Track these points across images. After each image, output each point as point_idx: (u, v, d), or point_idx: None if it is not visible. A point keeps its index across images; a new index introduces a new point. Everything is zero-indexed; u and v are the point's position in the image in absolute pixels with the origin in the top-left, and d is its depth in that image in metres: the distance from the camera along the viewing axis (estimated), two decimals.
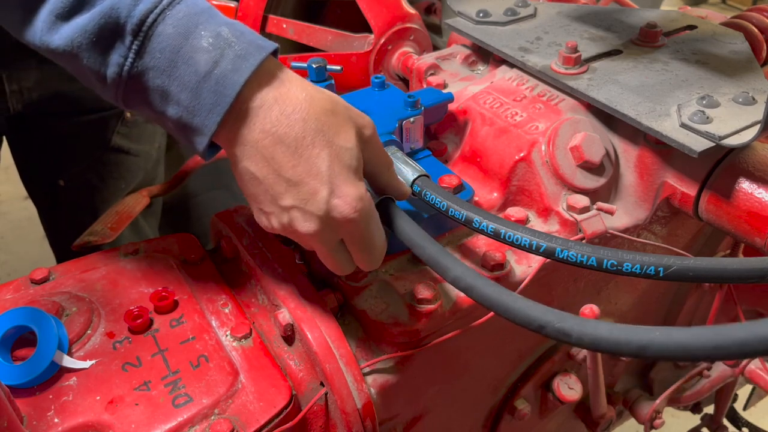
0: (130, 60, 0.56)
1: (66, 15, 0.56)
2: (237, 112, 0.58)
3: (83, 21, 0.56)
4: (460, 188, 0.75)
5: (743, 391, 1.25)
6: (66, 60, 0.59)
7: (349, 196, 0.59)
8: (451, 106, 0.86)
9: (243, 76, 0.56)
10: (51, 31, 0.57)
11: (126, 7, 0.55)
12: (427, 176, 0.70)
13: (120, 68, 0.57)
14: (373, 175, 0.65)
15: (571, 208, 0.77)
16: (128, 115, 1.24)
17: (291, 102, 0.58)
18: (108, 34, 0.56)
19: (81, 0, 0.56)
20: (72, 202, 1.28)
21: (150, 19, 0.55)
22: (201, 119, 0.57)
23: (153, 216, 1.41)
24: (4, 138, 1.25)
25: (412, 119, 0.79)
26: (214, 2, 1.05)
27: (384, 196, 0.66)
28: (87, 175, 1.26)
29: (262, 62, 0.57)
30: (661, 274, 0.55)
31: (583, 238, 0.76)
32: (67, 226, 1.27)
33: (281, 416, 0.63)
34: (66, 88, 1.15)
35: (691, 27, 0.97)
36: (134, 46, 0.56)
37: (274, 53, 0.59)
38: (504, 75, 0.92)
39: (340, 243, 0.63)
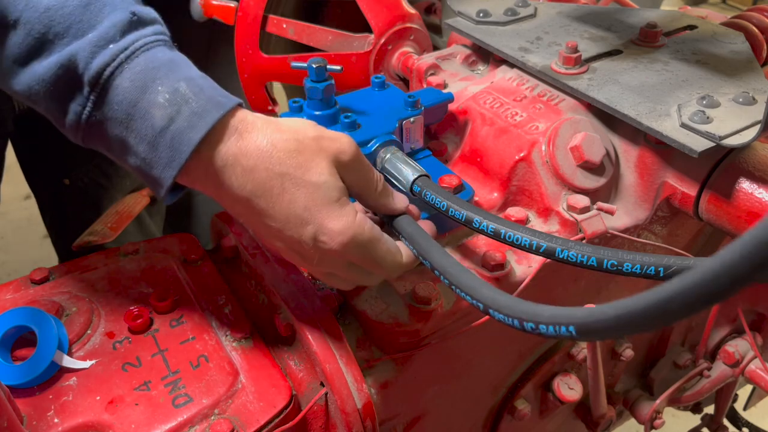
0: (88, 109, 0.56)
1: (23, 61, 0.56)
2: (202, 170, 0.57)
3: (41, 69, 0.55)
4: (460, 188, 0.75)
5: (743, 391, 1.25)
6: (28, 103, 0.58)
7: (333, 231, 0.58)
8: (451, 106, 0.86)
9: (198, 133, 0.55)
10: (10, 75, 0.57)
11: (84, 59, 0.54)
12: (427, 176, 0.70)
13: (78, 116, 0.56)
14: (361, 197, 0.64)
15: (571, 208, 0.77)
16: None
17: (251, 155, 0.57)
18: (65, 83, 0.55)
19: (38, 47, 0.55)
20: (77, 200, 1.28)
21: (107, 72, 0.55)
22: (158, 172, 0.57)
23: (158, 214, 1.41)
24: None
25: (412, 119, 0.79)
26: (214, 2, 1.05)
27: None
28: (92, 173, 1.26)
29: (220, 119, 0.56)
30: (661, 274, 0.55)
31: (583, 238, 0.76)
32: (71, 226, 1.27)
33: (281, 416, 0.63)
34: None
35: (691, 27, 0.97)
36: (92, 97, 0.55)
37: (239, 106, 0.58)
38: (504, 75, 0.92)
39: (350, 264, 0.62)
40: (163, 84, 0.56)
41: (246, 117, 0.58)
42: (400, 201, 0.66)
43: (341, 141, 0.61)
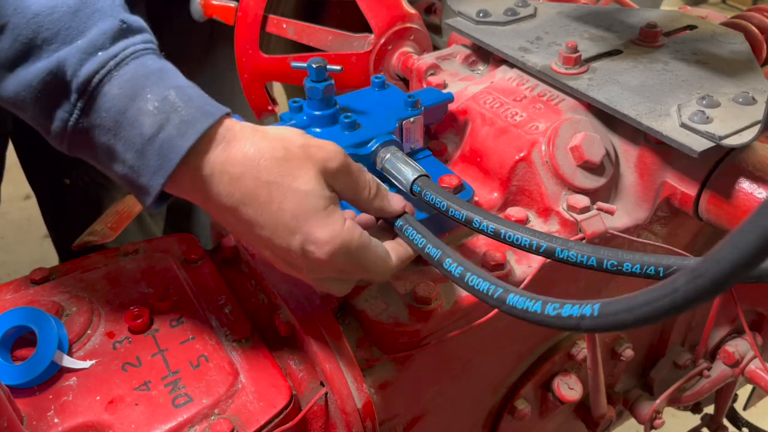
0: (75, 116, 0.56)
1: (9, 66, 0.55)
2: (190, 179, 0.57)
3: (28, 75, 0.55)
4: (460, 188, 0.75)
5: (743, 391, 1.25)
6: (14, 109, 0.58)
7: (321, 240, 0.57)
8: (451, 106, 0.86)
9: (188, 141, 0.55)
10: None
11: (72, 66, 0.54)
12: (427, 176, 0.70)
13: (65, 123, 0.56)
14: (355, 202, 0.64)
15: (571, 208, 0.77)
16: None
17: (238, 163, 0.57)
18: (53, 90, 0.55)
19: (25, 52, 0.54)
20: (77, 200, 1.28)
21: (96, 80, 0.55)
22: (146, 179, 0.57)
23: (158, 214, 1.41)
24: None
25: (412, 119, 0.79)
26: (214, 2, 1.05)
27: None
28: (92, 173, 1.26)
29: (209, 128, 0.56)
30: (661, 274, 0.55)
31: (583, 238, 0.76)
32: (71, 225, 1.27)
33: (281, 416, 0.63)
34: None
35: (691, 27, 0.97)
36: (79, 104, 0.55)
37: (227, 115, 0.58)
38: (504, 75, 0.92)
39: (340, 271, 0.62)
40: (153, 92, 0.56)
41: (234, 126, 0.58)
42: (396, 202, 0.66)
43: (328, 149, 0.60)
